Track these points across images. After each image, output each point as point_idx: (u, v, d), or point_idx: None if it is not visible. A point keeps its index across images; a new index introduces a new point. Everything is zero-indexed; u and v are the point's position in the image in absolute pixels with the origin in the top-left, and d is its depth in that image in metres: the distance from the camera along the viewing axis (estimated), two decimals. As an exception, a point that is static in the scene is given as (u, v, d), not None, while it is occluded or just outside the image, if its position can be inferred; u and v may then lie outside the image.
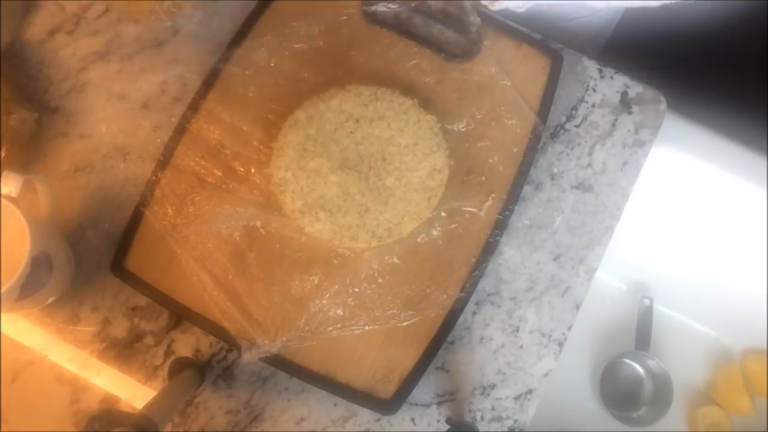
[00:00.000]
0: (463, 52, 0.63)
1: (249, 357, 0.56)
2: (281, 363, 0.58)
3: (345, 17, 0.64)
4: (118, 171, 0.63)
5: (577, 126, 0.66)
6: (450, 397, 0.59)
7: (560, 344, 0.60)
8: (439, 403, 0.59)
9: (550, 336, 0.60)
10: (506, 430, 0.58)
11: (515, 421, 0.58)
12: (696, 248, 0.82)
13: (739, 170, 0.72)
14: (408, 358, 0.58)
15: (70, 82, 0.65)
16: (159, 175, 0.61)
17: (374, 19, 0.64)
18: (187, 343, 0.59)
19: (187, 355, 0.59)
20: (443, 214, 0.59)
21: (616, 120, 0.66)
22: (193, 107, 0.62)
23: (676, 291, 0.85)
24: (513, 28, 0.64)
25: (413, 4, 0.64)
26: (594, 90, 0.66)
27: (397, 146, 0.59)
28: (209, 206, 0.60)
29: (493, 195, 0.60)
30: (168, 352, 0.59)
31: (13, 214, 0.51)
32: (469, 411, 0.59)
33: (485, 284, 0.60)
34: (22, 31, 0.67)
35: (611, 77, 0.67)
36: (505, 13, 0.62)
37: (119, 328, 0.60)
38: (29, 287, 0.52)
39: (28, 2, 0.67)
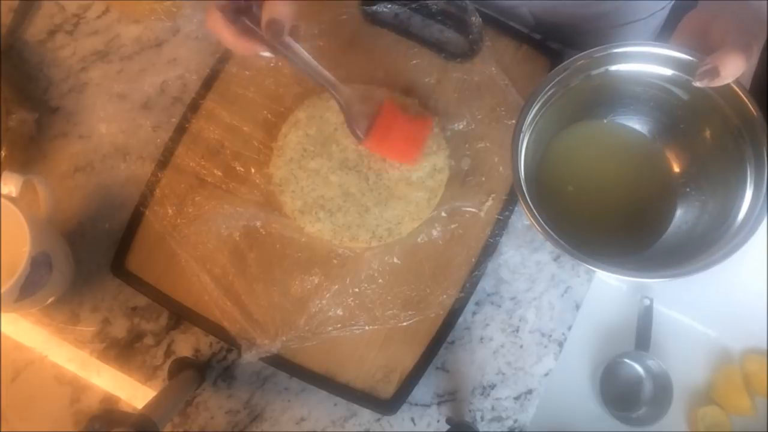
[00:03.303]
0: (463, 52, 0.63)
1: (249, 357, 0.56)
2: (281, 363, 0.58)
3: (345, 17, 0.64)
4: (118, 171, 0.63)
5: (577, 126, 0.65)
6: (450, 397, 0.59)
7: (560, 344, 0.60)
8: (439, 403, 0.59)
9: (550, 336, 0.60)
10: (506, 430, 0.58)
11: (515, 421, 0.58)
12: (696, 248, 0.82)
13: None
14: (408, 358, 0.58)
15: (70, 82, 0.65)
16: (159, 175, 0.61)
17: (374, 19, 0.64)
18: (187, 343, 0.59)
19: (187, 355, 0.59)
20: (443, 214, 0.59)
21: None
22: (193, 107, 0.62)
23: (676, 291, 0.85)
24: (513, 29, 0.64)
25: (413, 5, 0.64)
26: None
27: (397, 146, 0.59)
28: (209, 206, 0.60)
29: (493, 195, 0.60)
30: (168, 352, 0.59)
31: (13, 214, 0.51)
32: (469, 411, 0.59)
33: (485, 284, 0.60)
34: (22, 31, 0.67)
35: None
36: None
37: (119, 328, 0.60)
38: (29, 287, 0.52)
39: (29, 2, 0.67)
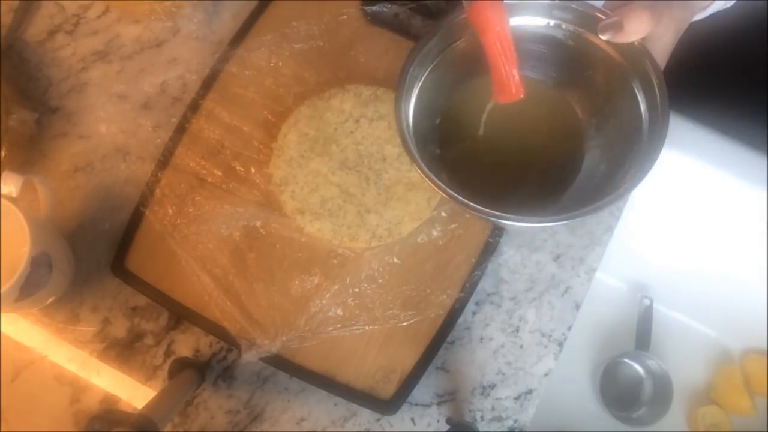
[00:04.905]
0: (463, 52, 0.63)
1: (249, 357, 0.56)
2: (281, 363, 0.58)
3: (345, 17, 0.64)
4: (118, 171, 0.63)
5: (577, 126, 0.65)
6: (450, 397, 0.59)
7: (560, 344, 0.60)
8: (439, 403, 0.59)
9: (550, 336, 0.60)
10: (506, 430, 0.58)
11: (515, 421, 0.58)
12: (696, 248, 0.82)
13: (739, 170, 0.72)
14: (408, 358, 0.58)
15: (70, 82, 0.65)
16: (159, 175, 0.61)
17: (374, 19, 0.64)
18: (187, 343, 0.59)
19: (187, 355, 0.59)
20: (443, 214, 0.59)
21: (616, 120, 0.66)
22: (193, 107, 0.62)
23: (676, 291, 0.85)
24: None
25: (413, 5, 0.64)
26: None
27: (398, 146, 0.59)
28: (209, 206, 0.60)
29: (493, 195, 0.60)
30: (168, 352, 0.59)
31: (13, 214, 0.51)
32: (469, 411, 0.59)
33: (485, 284, 0.60)
34: (22, 31, 0.67)
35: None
36: None
37: (119, 328, 0.60)
38: (29, 287, 0.52)
39: (28, 2, 0.67)
